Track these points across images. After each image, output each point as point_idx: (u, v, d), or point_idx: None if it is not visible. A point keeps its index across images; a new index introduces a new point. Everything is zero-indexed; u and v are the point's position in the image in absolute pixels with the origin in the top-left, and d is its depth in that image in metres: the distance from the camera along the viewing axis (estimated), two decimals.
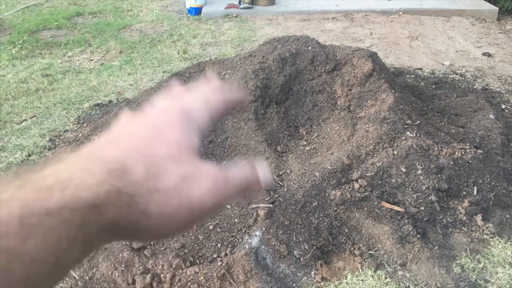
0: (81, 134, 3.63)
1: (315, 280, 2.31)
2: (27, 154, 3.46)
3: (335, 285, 2.30)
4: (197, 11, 7.02)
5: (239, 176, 0.40)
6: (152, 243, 2.42)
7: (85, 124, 3.81)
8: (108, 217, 0.33)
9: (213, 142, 3.06)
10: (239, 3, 7.10)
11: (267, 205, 2.54)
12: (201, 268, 2.28)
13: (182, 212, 0.36)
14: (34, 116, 4.06)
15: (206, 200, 0.37)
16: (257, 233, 2.42)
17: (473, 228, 2.61)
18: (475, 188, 2.73)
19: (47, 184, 0.32)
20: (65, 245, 0.31)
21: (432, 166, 2.73)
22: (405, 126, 2.95)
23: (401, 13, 6.91)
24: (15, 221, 0.29)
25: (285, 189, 2.67)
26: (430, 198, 2.64)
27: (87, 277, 2.27)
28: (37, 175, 0.33)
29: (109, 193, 0.33)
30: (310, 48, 3.57)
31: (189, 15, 7.07)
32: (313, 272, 2.34)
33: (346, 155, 2.82)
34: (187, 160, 0.38)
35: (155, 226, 0.35)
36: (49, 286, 0.31)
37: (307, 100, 3.43)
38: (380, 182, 2.69)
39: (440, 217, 2.62)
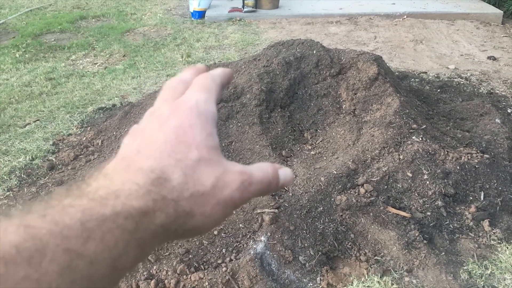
0: (84, 138, 3.62)
1: (320, 286, 2.29)
2: (30, 158, 3.45)
3: None
4: (200, 14, 7.02)
5: (261, 176, 0.43)
6: (156, 248, 2.40)
7: (89, 128, 3.80)
8: (157, 223, 0.36)
9: None
10: (243, 6, 7.10)
11: (272, 210, 2.52)
12: (205, 273, 2.26)
13: (218, 208, 0.39)
14: (38, 120, 4.05)
15: (236, 197, 0.40)
16: (262, 238, 2.40)
17: (480, 234, 2.59)
18: (482, 193, 2.71)
19: (100, 195, 0.35)
20: (121, 249, 0.33)
21: (439, 171, 2.71)
22: (411, 131, 2.93)
23: (405, 16, 6.90)
24: (77, 225, 0.32)
25: (290, 194, 2.65)
26: (436, 203, 2.61)
27: None
28: (89, 188, 0.36)
29: (156, 201, 0.36)
30: (314, 51, 3.55)
31: (192, 18, 7.07)
32: (318, 278, 2.32)
33: (351, 160, 2.80)
34: (216, 160, 0.41)
35: (199, 224, 0.39)
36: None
37: (312, 104, 3.41)
38: (386, 187, 2.66)
39: (447, 222, 2.60)
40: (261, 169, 0.44)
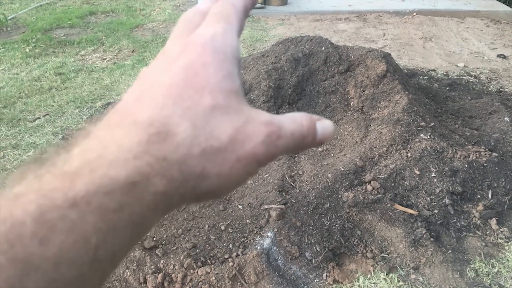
0: None
1: (326, 282, 2.30)
2: (40, 152, 3.48)
3: None
4: None
5: (293, 128, 0.35)
6: (163, 242, 2.42)
7: None
8: (156, 191, 0.28)
9: None
10: None
11: (279, 206, 2.53)
12: (212, 268, 2.28)
13: (239, 167, 0.32)
14: (47, 114, 4.08)
15: (260, 152, 0.32)
16: (269, 234, 2.41)
17: (488, 232, 2.58)
18: (490, 192, 2.70)
19: (72, 168, 0.27)
20: (100, 239, 0.26)
21: (446, 168, 2.70)
22: (419, 128, 2.93)
23: (414, 14, 6.86)
24: (30, 220, 0.24)
25: (297, 190, 2.66)
26: (444, 201, 2.61)
27: None
28: (61, 158, 0.28)
29: (152, 166, 0.28)
30: (323, 48, 3.55)
31: None
32: (324, 274, 2.33)
33: (359, 157, 2.80)
34: (235, 108, 0.33)
35: (214, 187, 0.31)
36: (91, 286, 0.26)
37: (320, 101, 3.41)
38: (393, 184, 2.66)
39: (454, 220, 2.59)
40: (294, 120, 0.35)
